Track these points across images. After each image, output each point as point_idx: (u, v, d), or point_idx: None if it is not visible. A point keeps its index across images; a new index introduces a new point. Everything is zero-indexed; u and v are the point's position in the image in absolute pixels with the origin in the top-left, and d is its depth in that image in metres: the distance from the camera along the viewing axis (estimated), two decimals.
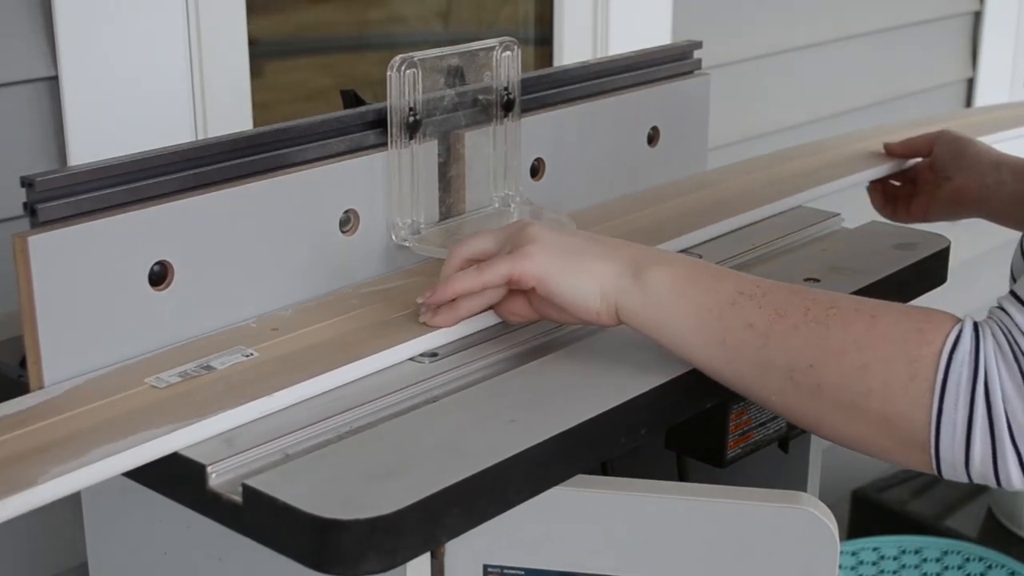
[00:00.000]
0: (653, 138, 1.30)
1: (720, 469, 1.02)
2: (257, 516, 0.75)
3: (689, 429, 1.00)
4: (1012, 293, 0.81)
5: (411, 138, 1.05)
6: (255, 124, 1.40)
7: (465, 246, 0.94)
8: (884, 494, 2.19)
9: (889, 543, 1.97)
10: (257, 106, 1.41)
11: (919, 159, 1.39)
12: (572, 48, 1.76)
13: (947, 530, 2.07)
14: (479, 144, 1.11)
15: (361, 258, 1.05)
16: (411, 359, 0.93)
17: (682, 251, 1.14)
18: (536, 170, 1.19)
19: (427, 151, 1.07)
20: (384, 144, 1.05)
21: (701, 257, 1.13)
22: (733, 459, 1.02)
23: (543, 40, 1.80)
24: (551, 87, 1.20)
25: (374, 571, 0.73)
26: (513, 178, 1.13)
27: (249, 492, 0.75)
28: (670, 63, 1.31)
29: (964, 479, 0.81)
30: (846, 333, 0.82)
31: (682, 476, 1.11)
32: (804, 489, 1.14)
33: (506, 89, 1.11)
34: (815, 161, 1.40)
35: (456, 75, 1.08)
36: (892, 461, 0.84)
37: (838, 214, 1.25)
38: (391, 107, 1.03)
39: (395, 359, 0.92)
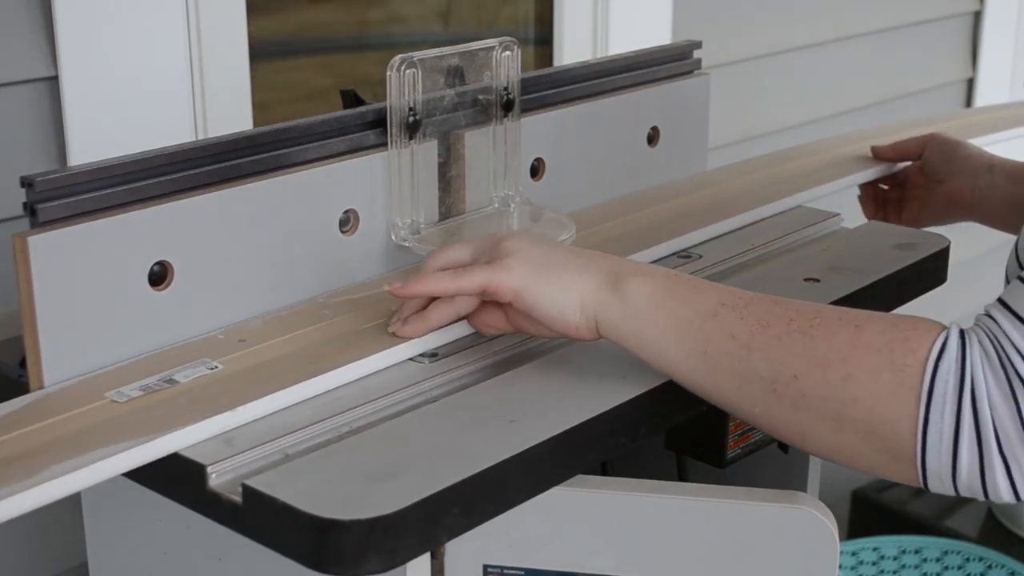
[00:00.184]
0: (653, 138, 1.30)
1: (720, 469, 1.02)
2: (257, 516, 0.75)
3: (689, 429, 1.00)
4: (1000, 300, 0.80)
5: (411, 138, 1.05)
6: (255, 124, 1.40)
7: (440, 256, 0.92)
8: (884, 494, 2.19)
9: (889, 543, 1.97)
10: (257, 106, 1.41)
11: (908, 162, 1.38)
12: (572, 48, 1.76)
13: (947, 530, 2.07)
14: (479, 144, 1.11)
15: (361, 258, 1.05)
16: (411, 359, 0.93)
17: (682, 251, 1.14)
18: (536, 170, 1.19)
19: (427, 151, 1.07)
20: (384, 144, 1.05)
21: (702, 257, 1.13)
22: (733, 459, 1.02)
23: (543, 40, 1.80)
24: (551, 87, 1.20)
25: (374, 571, 0.73)
26: (513, 178, 1.13)
27: (249, 492, 0.75)
28: (670, 63, 1.31)
29: (951, 491, 0.79)
30: (830, 343, 0.80)
31: (682, 476, 1.11)
32: (804, 489, 1.14)
33: (506, 89, 1.11)
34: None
35: (456, 75, 1.08)
36: (878, 474, 0.82)
37: (838, 214, 1.25)
38: (391, 107, 1.03)
39: (363, 372, 0.90)
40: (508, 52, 1.10)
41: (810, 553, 0.83)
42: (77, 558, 1.27)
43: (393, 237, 1.06)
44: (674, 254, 1.14)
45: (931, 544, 1.96)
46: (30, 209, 0.85)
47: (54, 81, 1.22)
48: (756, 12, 1.94)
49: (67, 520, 1.22)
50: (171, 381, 0.87)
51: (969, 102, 2.39)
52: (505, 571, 0.84)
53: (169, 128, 1.29)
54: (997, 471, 0.76)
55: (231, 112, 1.37)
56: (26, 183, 0.85)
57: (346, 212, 1.03)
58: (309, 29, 1.60)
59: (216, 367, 0.89)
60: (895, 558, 1.97)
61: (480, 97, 1.11)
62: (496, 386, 0.88)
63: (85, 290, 0.87)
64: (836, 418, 0.80)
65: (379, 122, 1.05)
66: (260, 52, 1.44)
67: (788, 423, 0.82)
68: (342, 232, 1.03)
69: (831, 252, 1.15)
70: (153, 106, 1.28)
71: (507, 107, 1.11)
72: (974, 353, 0.77)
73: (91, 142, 1.24)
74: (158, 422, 0.81)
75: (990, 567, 1.92)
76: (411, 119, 1.04)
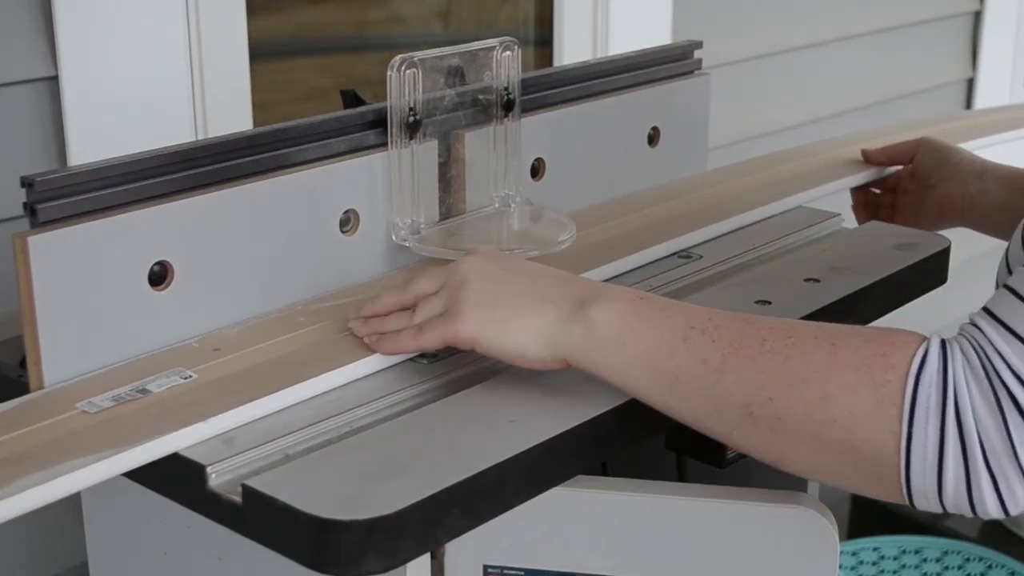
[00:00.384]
0: (653, 138, 1.30)
1: (720, 469, 1.02)
2: (257, 516, 0.75)
3: (689, 429, 1.00)
4: (985, 308, 0.77)
5: (411, 138, 1.05)
6: (255, 124, 1.40)
7: (398, 295, 0.92)
8: None
9: (889, 543, 1.97)
10: (257, 106, 1.41)
11: (899, 167, 1.37)
12: (572, 48, 1.76)
13: (947, 530, 2.07)
14: (479, 144, 1.11)
15: (361, 258, 1.05)
16: (411, 359, 0.92)
17: (682, 251, 1.14)
18: (536, 170, 1.19)
19: (427, 151, 1.07)
20: (384, 144, 1.05)
21: (702, 257, 1.13)
22: (733, 459, 1.02)
23: (543, 40, 1.80)
24: (551, 87, 1.20)
25: (374, 571, 0.73)
26: (513, 178, 1.13)
27: (249, 492, 0.75)
28: (670, 63, 1.31)
29: (937, 508, 0.76)
30: (806, 362, 0.77)
31: (682, 476, 1.11)
32: (804, 489, 1.14)
33: (506, 89, 1.11)
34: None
35: (456, 75, 1.08)
36: (862, 493, 0.80)
37: (838, 214, 1.25)
38: (391, 107, 1.03)
39: (338, 382, 0.89)
40: (508, 52, 1.10)
41: (810, 553, 0.83)
42: (77, 558, 1.27)
43: (393, 237, 1.06)
44: (674, 254, 1.14)
45: (931, 544, 1.96)
46: (30, 209, 0.85)
47: (54, 81, 1.22)
48: (756, 12, 1.94)
49: (67, 520, 1.22)
50: (144, 391, 0.85)
51: (969, 102, 2.39)
52: (505, 571, 0.84)
53: (169, 128, 1.29)
54: (984, 486, 0.73)
55: (231, 112, 1.37)
56: (26, 183, 0.85)
57: (346, 212, 1.03)
58: (309, 29, 1.60)
59: (190, 376, 0.87)
60: (895, 558, 1.97)
61: (480, 97, 1.11)
62: (496, 386, 0.88)
63: (85, 290, 0.87)
64: (815, 439, 0.77)
65: (379, 122, 1.05)
66: (260, 52, 1.44)
67: (766, 446, 0.80)
68: (342, 232, 1.03)
69: (831, 252, 1.15)
70: (153, 106, 1.28)
71: (507, 107, 1.11)
72: (956, 363, 0.74)
73: (91, 142, 1.24)
74: (128, 434, 0.79)
75: (990, 567, 1.91)
76: (411, 119, 1.04)
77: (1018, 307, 0.75)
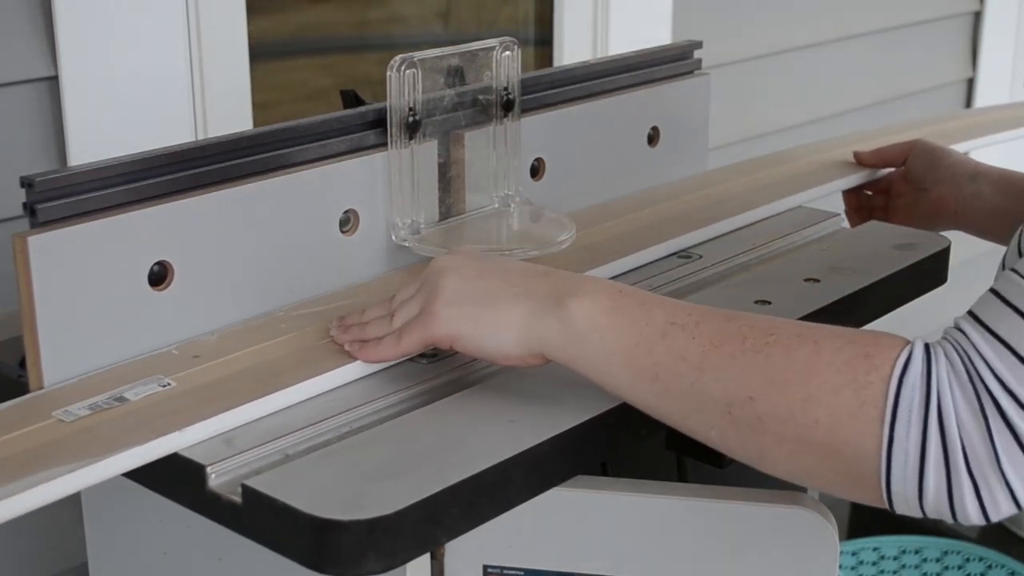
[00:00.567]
0: (653, 138, 1.30)
1: (720, 469, 1.02)
2: (256, 516, 0.75)
3: None
4: (971, 312, 0.75)
5: (411, 138, 1.05)
6: (255, 124, 1.40)
7: (382, 307, 0.91)
8: None
9: (889, 543, 1.97)
10: (257, 106, 1.41)
11: (891, 169, 1.36)
12: (572, 48, 1.76)
13: (947, 530, 2.07)
14: (479, 144, 1.11)
15: (361, 258, 1.05)
16: (411, 359, 0.92)
17: (682, 251, 1.14)
18: (536, 170, 1.19)
19: (427, 151, 1.07)
20: (384, 144, 1.05)
21: (702, 257, 1.13)
22: (733, 459, 1.02)
23: (543, 40, 1.80)
24: (551, 87, 1.20)
25: (374, 571, 0.73)
26: (513, 178, 1.13)
27: (249, 492, 0.75)
28: (670, 63, 1.31)
29: (918, 513, 0.74)
30: (788, 362, 0.76)
31: (682, 476, 1.11)
32: (804, 489, 1.14)
33: (506, 89, 1.11)
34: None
35: (456, 75, 1.08)
36: (842, 496, 0.79)
37: (838, 214, 1.25)
38: (391, 107, 1.03)
39: (318, 389, 0.88)
40: (508, 52, 1.10)
41: (810, 554, 0.83)
42: (77, 558, 1.27)
43: (393, 237, 1.06)
44: (674, 254, 1.14)
45: (931, 544, 1.96)
46: (30, 209, 0.85)
47: (54, 81, 1.22)
48: (756, 12, 1.94)
49: (67, 520, 1.22)
50: (121, 399, 0.84)
51: (969, 102, 2.39)
52: (505, 571, 0.84)
53: (169, 128, 1.29)
54: (966, 492, 0.72)
55: (231, 112, 1.37)
56: (26, 183, 0.85)
57: (346, 212, 1.03)
58: (309, 29, 1.60)
59: (168, 384, 0.86)
60: (895, 558, 1.97)
61: (480, 97, 1.11)
62: (496, 386, 0.88)
63: (85, 290, 0.87)
64: (796, 440, 0.76)
65: (379, 122, 1.05)
66: (260, 52, 1.44)
67: (746, 446, 0.78)
68: (342, 232, 1.03)
69: (831, 252, 1.15)
70: (153, 106, 1.28)
71: (507, 107, 1.11)
72: (940, 368, 0.73)
73: (91, 142, 1.24)
74: (103, 444, 0.78)
75: (990, 567, 1.92)
76: (411, 119, 1.04)
77: (1003, 311, 0.73)
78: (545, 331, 0.83)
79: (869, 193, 1.38)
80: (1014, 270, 0.75)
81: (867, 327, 1.07)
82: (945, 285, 1.18)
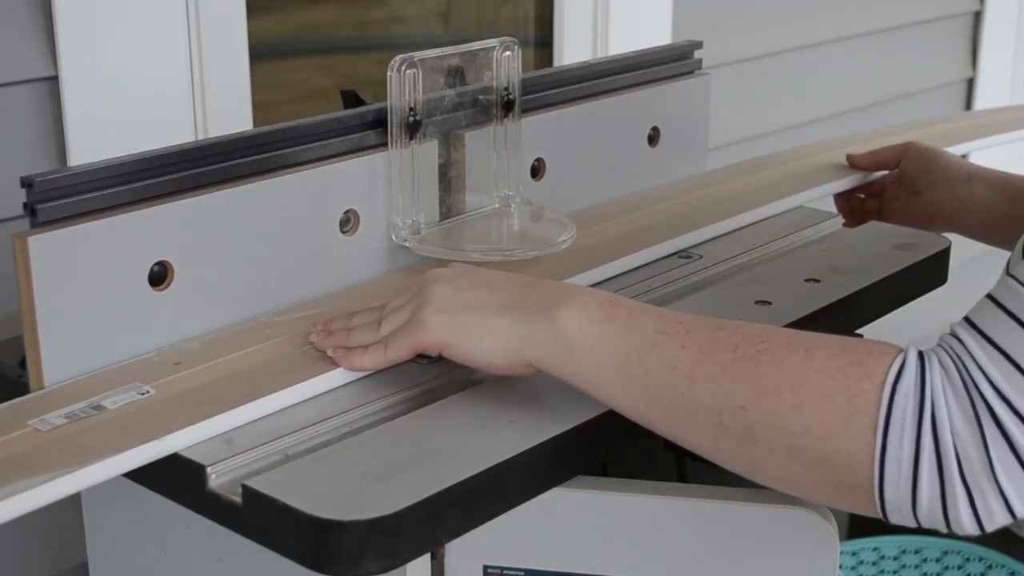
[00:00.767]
0: (653, 138, 1.30)
1: (720, 469, 1.02)
2: (256, 517, 0.75)
3: None
4: (967, 319, 0.74)
5: (411, 138, 1.05)
6: (255, 124, 1.40)
7: (370, 314, 0.91)
8: None
9: (889, 543, 1.97)
10: (257, 106, 1.41)
11: (884, 172, 1.36)
12: (572, 48, 1.77)
13: None
14: (479, 144, 1.11)
15: (361, 258, 1.05)
16: (410, 360, 0.92)
17: (682, 251, 1.14)
18: (536, 170, 1.19)
19: (427, 151, 1.07)
20: (384, 144, 1.05)
21: (702, 257, 1.13)
22: None
23: (543, 40, 1.80)
24: (551, 87, 1.20)
25: (374, 572, 0.73)
26: (513, 178, 1.13)
27: (249, 493, 0.75)
28: (670, 63, 1.31)
29: (911, 522, 0.73)
30: (779, 370, 0.75)
31: (682, 477, 1.11)
32: None
33: (506, 89, 1.11)
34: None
35: (456, 75, 1.08)
36: (835, 506, 0.78)
37: (838, 214, 1.25)
38: (391, 107, 1.03)
39: (301, 396, 0.87)
40: (508, 52, 1.10)
41: (810, 554, 0.83)
42: (77, 558, 1.27)
43: (393, 237, 1.06)
44: (674, 254, 1.14)
45: (931, 544, 1.96)
46: (30, 209, 0.85)
47: (54, 81, 1.22)
48: (756, 12, 1.94)
49: (67, 520, 1.22)
50: (99, 407, 0.83)
51: (969, 102, 2.39)
52: (505, 571, 0.84)
53: (169, 128, 1.29)
54: (960, 501, 0.71)
55: (231, 112, 1.37)
56: (26, 183, 0.85)
57: (346, 212, 1.03)
58: (309, 29, 1.60)
59: (148, 392, 0.85)
60: (895, 558, 1.97)
61: (480, 97, 1.11)
62: (496, 387, 0.88)
63: (85, 290, 0.87)
64: (787, 448, 0.74)
65: (379, 122, 1.05)
66: (260, 52, 1.44)
67: (737, 455, 0.77)
68: (342, 232, 1.03)
69: (831, 252, 1.15)
70: (153, 106, 1.28)
71: (507, 107, 1.11)
72: (934, 375, 0.72)
73: (91, 142, 1.24)
74: (76, 454, 0.76)
75: (990, 567, 1.92)
76: (411, 119, 1.04)
77: (999, 317, 0.72)
78: (534, 341, 0.82)
79: (862, 196, 1.38)
80: (1013, 276, 0.74)
81: (867, 328, 1.07)
82: (945, 286, 1.18)
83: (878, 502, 0.73)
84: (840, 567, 1.49)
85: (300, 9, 1.59)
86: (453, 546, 0.82)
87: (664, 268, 1.11)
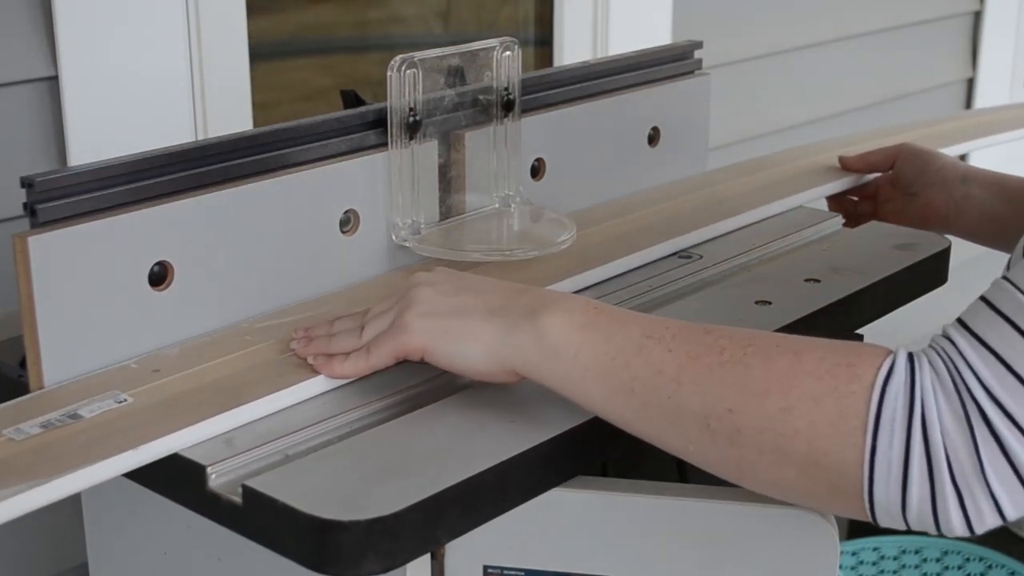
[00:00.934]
0: (653, 138, 1.30)
1: None
2: (257, 517, 0.75)
3: None
4: (959, 320, 0.74)
5: (411, 138, 1.05)
6: (255, 124, 1.40)
7: (352, 320, 0.90)
8: None
9: (889, 543, 1.97)
10: (257, 106, 1.41)
11: (878, 174, 1.35)
12: (572, 48, 1.77)
13: None
14: (479, 144, 1.11)
15: (361, 258, 1.05)
16: (411, 360, 0.92)
17: (682, 251, 1.14)
18: (536, 170, 1.19)
19: (427, 151, 1.07)
20: (384, 144, 1.05)
21: (702, 257, 1.13)
22: None
23: (543, 40, 1.80)
24: (551, 87, 1.20)
25: (374, 572, 0.73)
26: (513, 178, 1.13)
27: (249, 493, 0.75)
28: (670, 63, 1.31)
29: (901, 525, 0.72)
30: (767, 372, 0.74)
31: (682, 477, 1.11)
32: None
33: (506, 89, 1.11)
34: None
35: (456, 75, 1.08)
36: (825, 510, 0.78)
37: (838, 214, 1.25)
38: (391, 107, 1.03)
39: (281, 404, 0.85)
40: (508, 52, 1.10)
41: (810, 555, 0.83)
42: (77, 558, 1.27)
43: (393, 237, 1.06)
44: (674, 254, 1.14)
45: (931, 544, 1.96)
46: (30, 209, 0.85)
47: (54, 81, 1.22)
48: (756, 12, 1.94)
49: (67, 520, 1.23)
50: (75, 416, 0.81)
51: (969, 102, 2.39)
52: (505, 571, 0.84)
53: (169, 128, 1.29)
54: (950, 503, 0.70)
55: (231, 112, 1.37)
56: (26, 183, 0.85)
57: (346, 212, 1.03)
58: (309, 29, 1.60)
59: (125, 400, 0.84)
60: (895, 558, 1.97)
61: (480, 97, 1.11)
62: (496, 387, 0.88)
63: (85, 290, 0.87)
64: (775, 451, 0.74)
65: (379, 122, 1.05)
66: (260, 52, 1.44)
67: (724, 460, 0.76)
68: (342, 232, 1.03)
69: (831, 252, 1.15)
70: (153, 106, 1.28)
71: (507, 107, 1.11)
72: (924, 376, 0.71)
73: (91, 142, 1.24)
74: (49, 465, 0.75)
75: (990, 567, 1.92)
76: (411, 119, 1.04)
77: (992, 319, 0.72)
78: (518, 347, 0.81)
79: (855, 199, 1.37)
80: (1006, 278, 0.73)
81: (867, 328, 1.07)
82: (945, 285, 1.18)
83: (867, 504, 0.73)
84: (840, 567, 1.49)
85: (300, 9, 1.59)
86: (453, 546, 0.82)
87: (664, 268, 1.11)
